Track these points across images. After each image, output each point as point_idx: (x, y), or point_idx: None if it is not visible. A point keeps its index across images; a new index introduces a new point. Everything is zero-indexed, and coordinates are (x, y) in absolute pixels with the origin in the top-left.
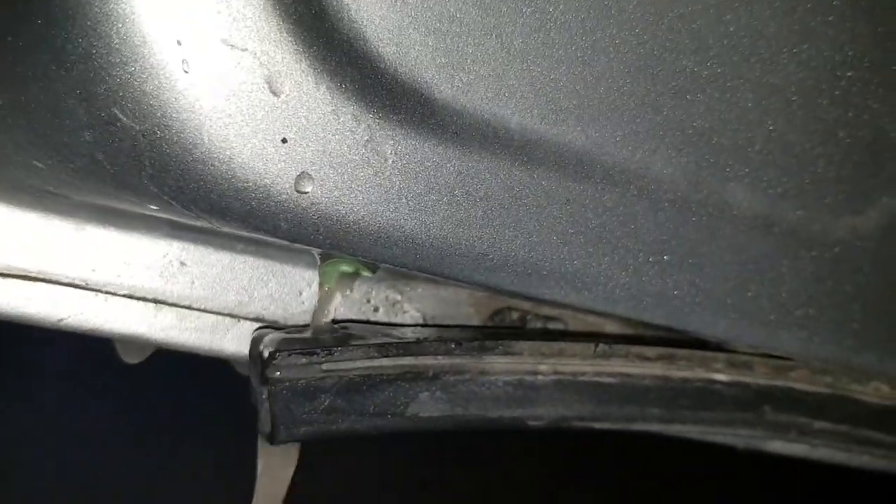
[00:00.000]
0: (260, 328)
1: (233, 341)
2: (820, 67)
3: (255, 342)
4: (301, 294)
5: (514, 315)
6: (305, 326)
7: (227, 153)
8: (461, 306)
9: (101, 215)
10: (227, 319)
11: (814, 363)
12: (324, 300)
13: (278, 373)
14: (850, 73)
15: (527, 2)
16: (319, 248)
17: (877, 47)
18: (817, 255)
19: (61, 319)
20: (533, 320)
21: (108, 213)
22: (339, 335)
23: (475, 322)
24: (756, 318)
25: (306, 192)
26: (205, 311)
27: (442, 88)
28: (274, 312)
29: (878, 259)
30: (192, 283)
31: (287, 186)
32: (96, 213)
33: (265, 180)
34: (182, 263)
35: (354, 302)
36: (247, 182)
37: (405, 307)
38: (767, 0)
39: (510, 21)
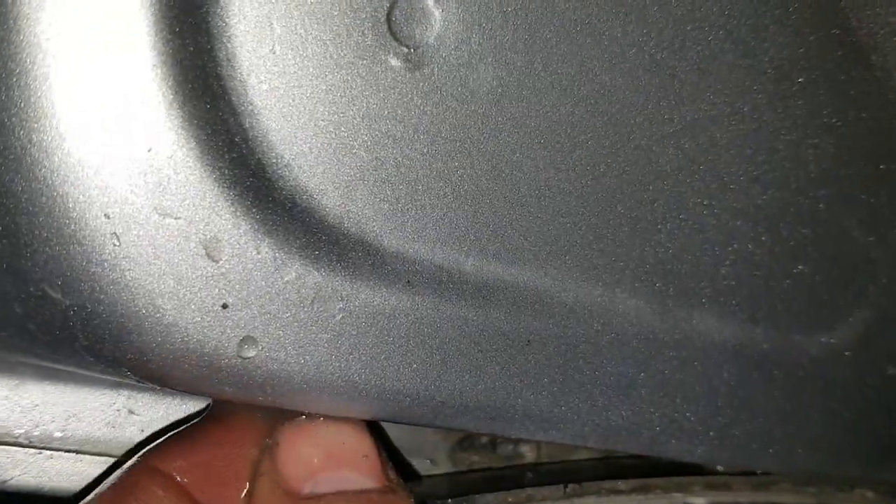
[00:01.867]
0: None
1: None
2: (784, 187)
3: None
4: None
5: (483, 440)
6: None
7: (164, 323)
8: (427, 434)
9: (41, 371)
10: None
11: (795, 476)
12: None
13: None
14: (814, 192)
15: (475, 145)
16: (270, 406)
17: (841, 163)
18: (791, 375)
19: (5, 481)
20: (503, 443)
21: (49, 369)
22: None
23: (443, 448)
24: (732, 442)
25: (250, 357)
26: None
27: (391, 237)
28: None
29: (855, 372)
30: (142, 431)
31: (230, 352)
32: (37, 369)
33: (206, 348)
34: (130, 412)
35: None
36: (186, 350)
37: None
38: (726, 123)
39: (459, 164)
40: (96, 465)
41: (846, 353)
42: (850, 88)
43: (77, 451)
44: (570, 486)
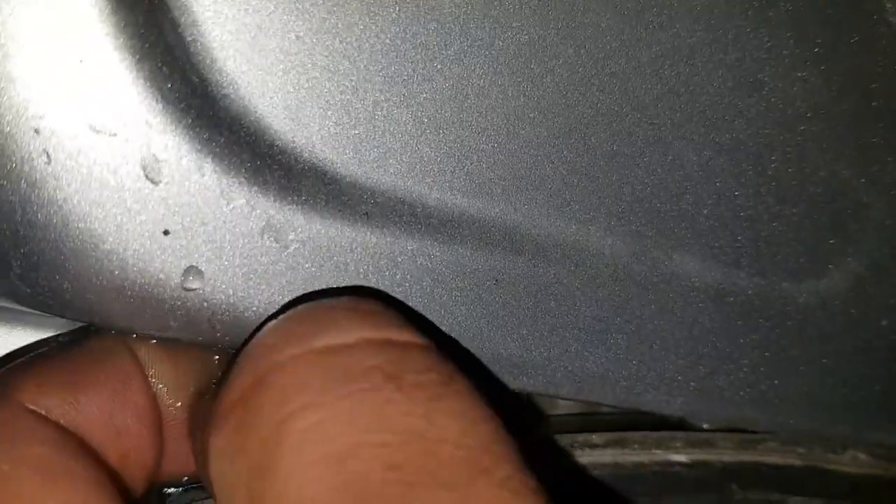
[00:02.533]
0: None
1: None
2: (771, 122)
3: None
4: None
5: None
6: None
7: (101, 249)
8: None
9: None
10: None
11: (782, 434)
12: None
13: None
14: (803, 127)
15: (439, 66)
16: (219, 344)
17: (830, 98)
18: (779, 324)
19: None
20: None
21: None
22: None
23: None
24: (715, 394)
25: (195, 289)
26: None
27: (348, 165)
28: None
29: (847, 324)
30: None
31: (173, 283)
32: None
33: (147, 278)
34: None
35: None
36: (126, 280)
37: None
38: (708, 51)
39: (422, 88)
40: None
41: (837, 302)
42: (840, 18)
43: None
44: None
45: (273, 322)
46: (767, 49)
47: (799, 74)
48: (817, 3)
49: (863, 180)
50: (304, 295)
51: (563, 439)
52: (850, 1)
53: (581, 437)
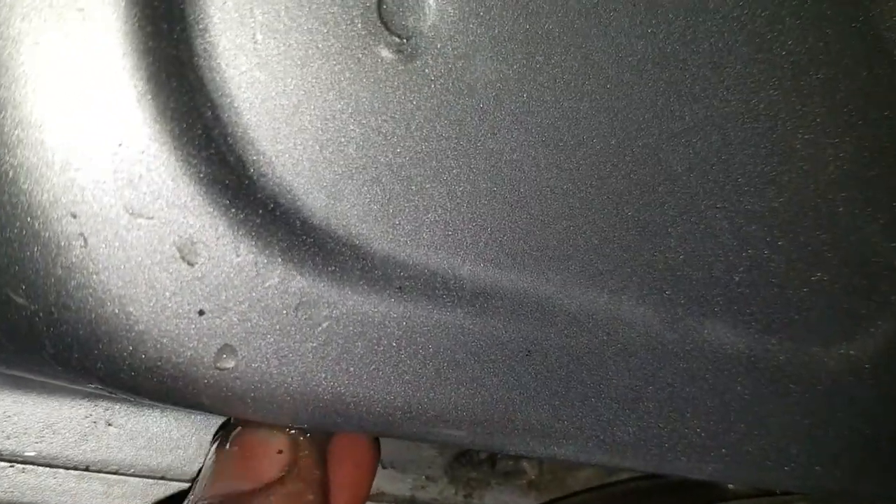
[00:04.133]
0: None
1: None
2: (802, 188)
3: None
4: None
5: (482, 455)
6: None
7: (136, 330)
8: (423, 449)
9: (14, 380)
10: (160, 483)
11: (813, 496)
12: None
13: None
14: (834, 193)
15: (472, 143)
16: (250, 419)
17: (862, 164)
18: (809, 389)
19: None
20: (503, 459)
21: (21, 378)
22: None
23: (439, 464)
24: (746, 459)
25: (228, 368)
26: (134, 475)
27: (382, 240)
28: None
29: (877, 387)
30: (121, 446)
31: (206, 362)
32: (8, 378)
33: (181, 357)
34: (108, 424)
35: None
36: (160, 360)
37: None
38: (740, 121)
39: (455, 163)
40: (71, 479)
41: (867, 366)
42: (871, 85)
43: (51, 465)
44: None
45: None
46: (799, 117)
47: (830, 142)
48: (850, 71)
49: (893, 245)
50: None
51: None
52: (882, 67)
53: None
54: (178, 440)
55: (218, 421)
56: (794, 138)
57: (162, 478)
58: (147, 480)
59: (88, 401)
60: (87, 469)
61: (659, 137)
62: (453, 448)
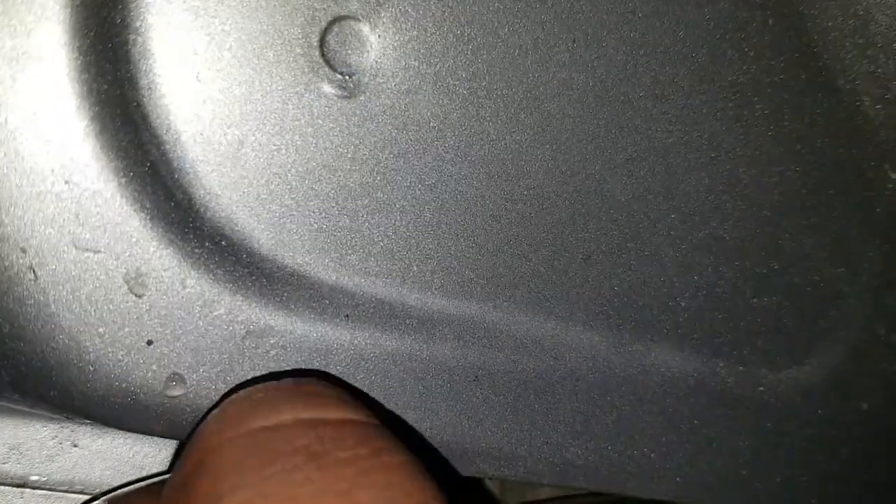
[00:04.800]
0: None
1: None
2: (748, 216)
3: None
4: None
5: None
6: None
7: (86, 360)
8: None
9: None
10: None
11: None
12: None
13: None
14: (781, 220)
15: (417, 175)
16: None
17: (808, 191)
18: (758, 413)
19: None
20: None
21: None
22: None
23: None
24: (697, 481)
25: (177, 396)
26: (100, 495)
27: (329, 270)
28: None
29: (827, 410)
30: (86, 466)
31: (155, 390)
32: None
33: (131, 386)
34: (74, 445)
35: None
36: (111, 388)
37: None
38: (683, 151)
39: (400, 196)
40: (37, 499)
41: (817, 391)
42: (816, 114)
43: (17, 486)
44: None
45: (216, 408)
46: (743, 146)
47: (775, 169)
48: (793, 100)
49: (841, 270)
50: (251, 378)
51: None
52: (826, 96)
53: None
54: (142, 461)
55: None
56: (738, 167)
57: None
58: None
59: (54, 422)
60: (52, 489)
61: (602, 168)
62: None
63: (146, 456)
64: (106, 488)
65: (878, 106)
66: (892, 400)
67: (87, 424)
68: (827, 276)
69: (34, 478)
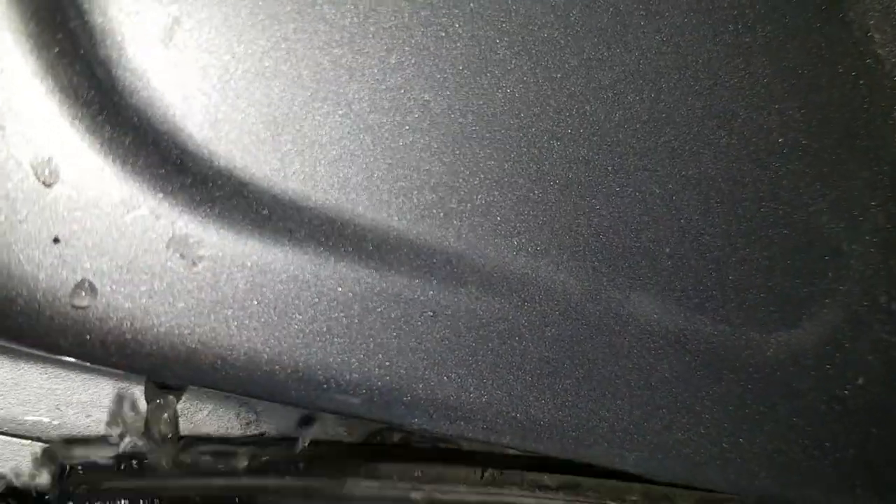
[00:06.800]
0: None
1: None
2: (743, 156)
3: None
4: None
5: (396, 438)
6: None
7: None
8: (327, 426)
9: None
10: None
11: (746, 498)
12: (151, 431)
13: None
14: (778, 164)
15: (379, 76)
16: (115, 368)
17: (809, 134)
18: (744, 377)
19: None
20: (419, 443)
21: None
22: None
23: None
24: (672, 450)
25: (85, 307)
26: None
27: (271, 176)
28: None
29: (819, 381)
30: None
31: (62, 298)
32: None
33: (35, 290)
34: None
35: (199, 424)
36: (10, 292)
37: (261, 427)
38: (676, 76)
39: (360, 97)
40: None
41: (809, 357)
42: (822, 47)
43: None
44: (489, 471)
45: None
46: (742, 77)
47: (776, 107)
48: (799, 31)
49: (842, 225)
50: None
51: (512, 476)
52: (834, 29)
53: (531, 476)
54: (59, 398)
55: (73, 380)
56: (735, 100)
57: (3, 433)
58: (13, 440)
59: None
60: None
61: (586, 89)
62: (364, 427)
63: (65, 391)
64: (16, 424)
65: (890, 46)
66: (890, 373)
67: None
68: (826, 231)
69: None
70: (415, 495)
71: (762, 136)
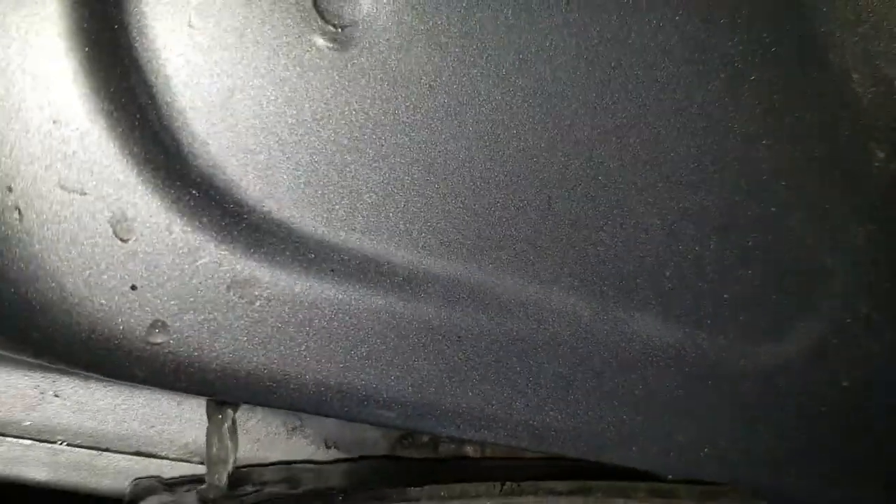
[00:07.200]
0: (138, 479)
1: (110, 478)
2: (736, 188)
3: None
4: (187, 424)
5: (425, 438)
6: (188, 478)
7: (70, 303)
8: (366, 430)
9: None
10: (104, 455)
11: (744, 489)
12: (212, 440)
13: None
14: (768, 192)
15: (406, 132)
16: (186, 392)
17: (796, 167)
18: (739, 384)
19: None
20: (446, 443)
21: None
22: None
23: (382, 446)
24: (675, 450)
25: (159, 343)
26: (79, 446)
27: (316, 223)
28: (157, 445)
29: (808, 385)
30: (67, 417)
31: (138, 336)
32: None
33: (113, 331)
34: (55, 395)
35: (251, 430)
36: (93, 332)
37: (306, 431)
38: (673, 120)
39: (390, 152)
40: (18, 448)
41: (797, 365)
42: (806, 88)
43: None
44: (507, 484)
45: None
46: (733, 117)
47: (764, 143)
48: (785, 74)
49: (826, 246)
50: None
51: (528, 486)
52: (817, 71)
53: (545, 485)
54: (123, 413)
55: (158, 399)
56: (726, 138)
57: (106, 450)
58: (91, 451)
59: (35, 371)
60: (33, 439)
61: (591, 133)
62: (396, 430)
63: (128, 409)
64: (86, 439)
65: (867, 84)
66: (871, 378)
67: (68, 375)
68: (811, 252)
69: (15, 427)
70: None
71: (752, 169)
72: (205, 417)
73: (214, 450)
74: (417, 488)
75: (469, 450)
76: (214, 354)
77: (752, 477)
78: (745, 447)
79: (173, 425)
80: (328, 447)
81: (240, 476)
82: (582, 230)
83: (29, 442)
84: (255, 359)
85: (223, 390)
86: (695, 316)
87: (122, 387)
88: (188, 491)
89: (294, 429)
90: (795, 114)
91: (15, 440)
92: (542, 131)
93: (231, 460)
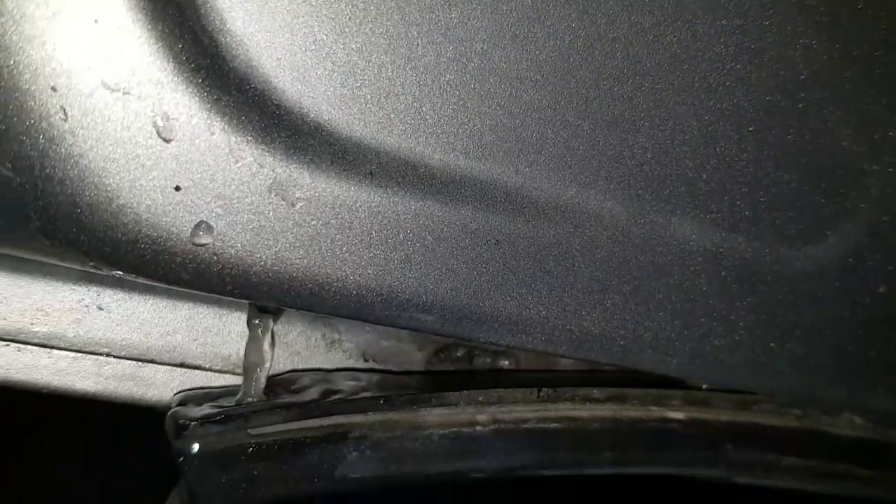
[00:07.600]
0: (182, 391)
1: (155, 389)
2: (772, 88)
3: (173, 414)
4: (229, 337)
5: (460, 352)
6: (230, 388)
7: (116, 203)
8: (402, 343)
9: (8, 264)
10: (149, 366)
11: (779, 396)
12: (251, 349)
13: (192, 445)
14: (804, 94)
15: (442, 32)
16: (230, 296)
17: (833, 66)
18: (775, 289)
19: None
20: (481, 356)
21: (15, 261)
22: (261, 403)
23: (418, 359)
24: (710, 356)
25: (204, 244)
26: (125, 357)
27: (353, 126)
28: (201, 357)
29: (844, 290)
30: (112, 329)
31: (184, 237)
32: (3, 261)
33: (159, 231)
34: (100, 308)
35: (290, 343)
36: (139, 233)
37: (344, 345)
38: (710, 18)
39: (426, 52)
40: (64, 360)
41: (834, 269)
42: None
43: (46, 346)
44: (544, 390)
45: None
46: (770, 16)
47: (801, 41)
48: None
49: (864, 148)
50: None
51: (564, 392)
52: None
53: (582, 391)
54: (167, 325)
55: (201, 312)
56: (763, 36)
57: (151, 361)
58: (136, 363)
59: (80, 285)
60: (78, 351)
61: (629, 31)
62: (433, 344)
63: (172, 322)
64: (131, 351)
65: None
66: None
67: (112, 287)
68: (849, 154)
69: (62, 339)
70: (480, 417)
71: (789, 70)
72: (246, 331)
73: (252, 357)
74: (455, 393)
75: (504, 363)
76: (258, 256)
77: (786, 385)
78: (779, 354)
79: (216, 338)
80: (366, 360)
81: (276, 382)
82: (618, 132)
83: (75, 354)
84: (297, 261)
85: (266, 294)
86: (731, 220)
87: (166, 300)
88: (229, 401)
89: (333, 342)
90: (832, 12)
91: (62, 353)
92: (578, 29)
93: (267, 366)
